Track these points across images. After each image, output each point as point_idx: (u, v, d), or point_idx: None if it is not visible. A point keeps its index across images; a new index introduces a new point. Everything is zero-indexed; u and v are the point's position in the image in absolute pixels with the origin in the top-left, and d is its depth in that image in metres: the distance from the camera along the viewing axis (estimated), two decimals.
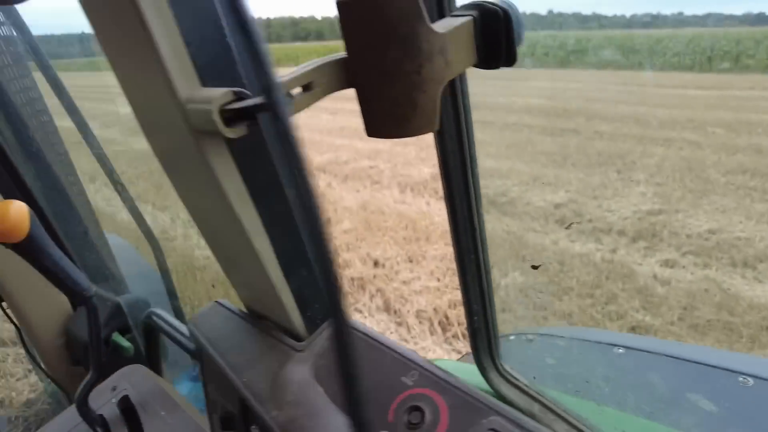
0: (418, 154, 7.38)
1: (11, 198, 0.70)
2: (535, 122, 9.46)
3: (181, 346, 0.88)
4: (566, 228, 4.51)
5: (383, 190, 5.85)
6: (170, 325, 0.93)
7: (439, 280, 3.56)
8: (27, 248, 0.62)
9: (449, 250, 4.42)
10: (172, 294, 1.45)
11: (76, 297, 0.69)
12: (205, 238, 0.61)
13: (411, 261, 3.89)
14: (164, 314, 0.96)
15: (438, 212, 4.97)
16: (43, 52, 1.15)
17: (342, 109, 12.43)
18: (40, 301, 1.00)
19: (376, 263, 3.88)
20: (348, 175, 6.55)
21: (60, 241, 1.07)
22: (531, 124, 9.31)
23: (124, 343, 1.01)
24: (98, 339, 0.74)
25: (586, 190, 5.62)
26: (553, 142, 7.81)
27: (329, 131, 9.66)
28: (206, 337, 0.62)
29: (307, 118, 11.48)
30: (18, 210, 0.60)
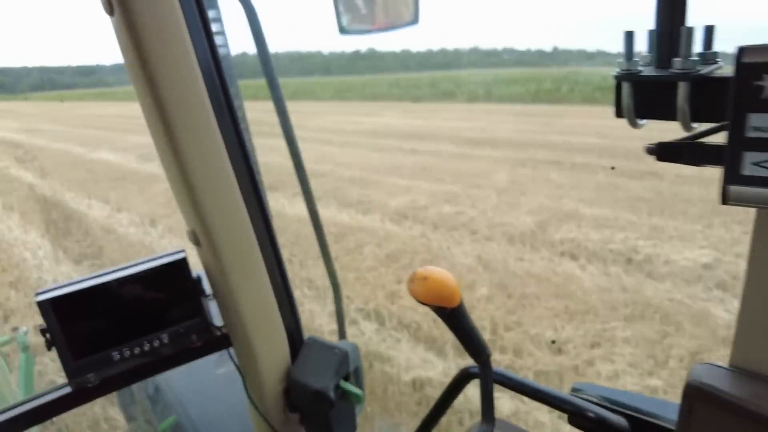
0: (500, 199, 6.68)
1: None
2: (605, 163, 8.82)
3: (529, 395, 0.83)
4: None
5: (489, 242, 5.10)
6: (511, 378, 0.86)
7: (653, 374, 2.79)
8: (455, 313, 0.68)
9: (638, 331, 3.54)
10: (342, 336, 1.41)
11: (479, 356, 0.74)
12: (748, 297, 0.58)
13: (597, 346, 3.13)
14: (504, 370, 0.88)
15: (579, 274, 4.21)
16: (274, 72, 0.99)
17: (387, 146, 11.81)
18: (266, 350, 0.94)
19: (554, 346, 3.12)
20: (436, 222, 5.81)
21: (284, 287, 0.98)
22: (604, 165, 8.66)
23: (355, 390, 0.96)
24: (490, 395, 0.77)
25: (720, 245, 4.90)
26: (641, 186, 7.12)
27: (385, 170, 8.97)
28: (709, 389, 0.58)
29: (354, 155, 10.83)
30: (451, 278, 0.66)
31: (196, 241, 0.85)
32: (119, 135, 17.07)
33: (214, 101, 0.76)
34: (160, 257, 0.88)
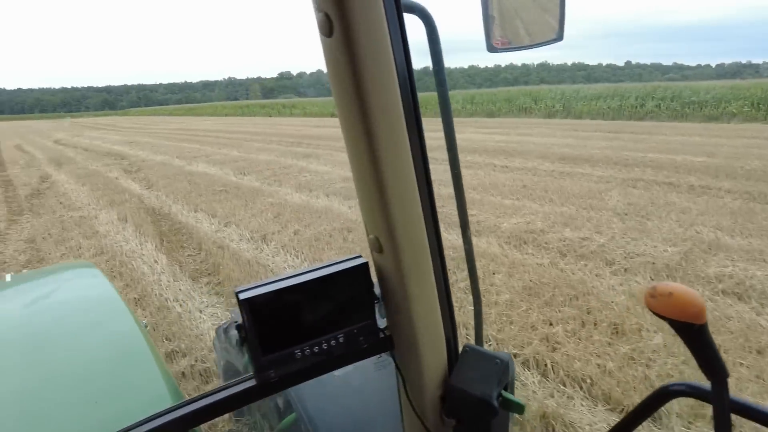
0: (624, 224, 5.94)
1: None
2: (726, 185, 7.82)
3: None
4: None
5: (632, 275, 4.42)
6: (739, 402, 0.76)
7: None
8: (702, 330, 0.66)
9: None
10: (479, 343, 1.21)
11: (716, 375, 0.71)
12: None
13: None
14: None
15: (759, 320, 3.48)
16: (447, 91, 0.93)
17: (477, 162, 11.22)
18: (428, 355, 0.94)
19: None
20: (561, 249, 5.18)
21: (446, 295, 0.97)
22: (727, 188, 7.67)
23: (517, 400, 0.92)
24: (727, 417, 0.72)
25: None
26: None
27: (484, 188, 8.39)
28: None
29: (445, 172, 10.32)
30: (696, 293, 0.65)
31: (379, 248, 0.86)
32: (213, 148, 17.48)
33: (408, 115, 0.77)
34: (342, 261, 0.89)
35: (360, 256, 0.91)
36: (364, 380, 1.57)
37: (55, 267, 4.02)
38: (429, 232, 0.87)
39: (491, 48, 0.89)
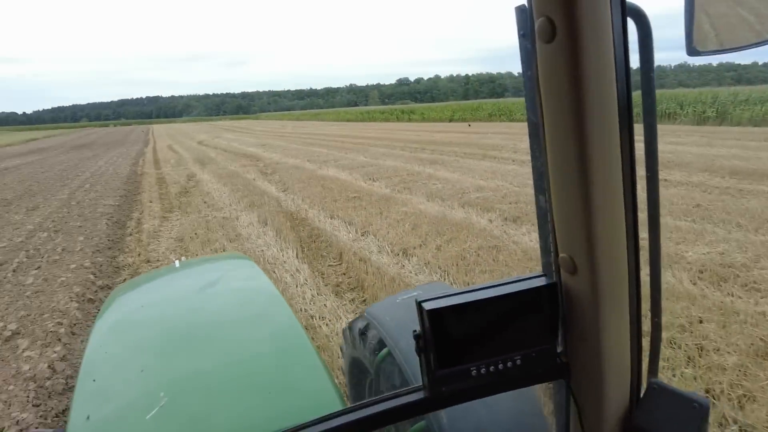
0: None
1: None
2: None
3: None
4: None
5: None
6: None
7: None
8: None
9: None
10: (653, 374, 1.01)
11: None
12: None
13: None
14: None
15: None
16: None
17: None
18: (610, 388, 0.84)
19: None
20: None
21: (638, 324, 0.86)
22: None
23: None
24: None
25: None
26: None
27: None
28: None
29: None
30: None
31: (572, 269, 0.78)
32: (339, 153, 17.71)
33: (622, 126, 0.69)
34: (526, 279, 0.83)
35: (545, 275, 0.85)
36: (503, 403, 1.40)
37: (215, 257, 4.06)
38: (630, 255, 0.79)
39: (692, 51, 0.75)
